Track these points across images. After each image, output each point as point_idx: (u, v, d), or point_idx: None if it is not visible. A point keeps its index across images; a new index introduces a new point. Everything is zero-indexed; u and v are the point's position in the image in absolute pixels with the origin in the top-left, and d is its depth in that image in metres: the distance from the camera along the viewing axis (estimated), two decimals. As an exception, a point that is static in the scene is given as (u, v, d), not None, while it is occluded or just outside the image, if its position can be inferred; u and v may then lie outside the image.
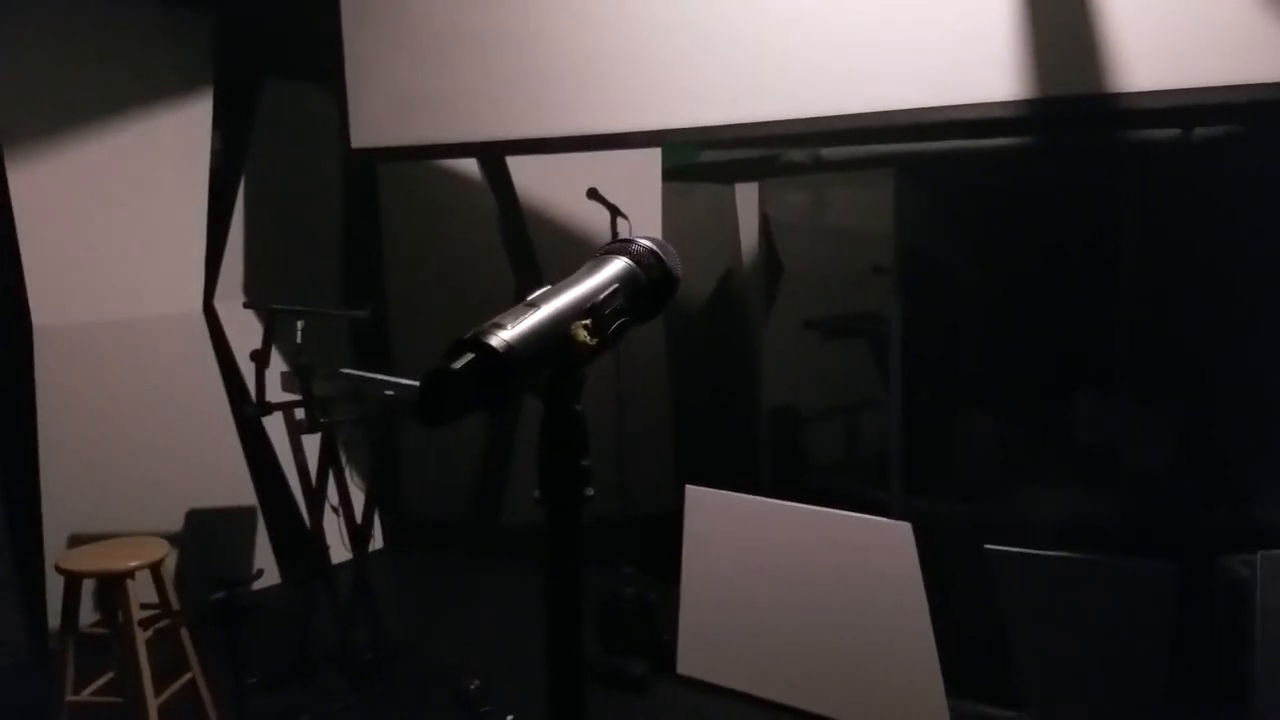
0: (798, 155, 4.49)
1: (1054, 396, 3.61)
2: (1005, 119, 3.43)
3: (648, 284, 1.23)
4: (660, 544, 3.86)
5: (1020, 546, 3.19)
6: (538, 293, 1.15)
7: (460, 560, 5.07)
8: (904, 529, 3.28)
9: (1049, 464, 3.68)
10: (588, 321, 1.13)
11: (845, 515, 3.40)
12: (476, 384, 1.04)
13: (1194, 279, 3.38)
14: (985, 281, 3.81)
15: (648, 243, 1.26)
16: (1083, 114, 3.34)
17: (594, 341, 1.12)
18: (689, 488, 3.72)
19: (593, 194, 4.20)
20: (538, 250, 5.10)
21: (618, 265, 1.23)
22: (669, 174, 4.98)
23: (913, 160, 3.93)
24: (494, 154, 4.98)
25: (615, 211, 4.12)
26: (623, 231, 4.23)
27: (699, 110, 3.74)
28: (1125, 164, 3.38)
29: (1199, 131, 3.34)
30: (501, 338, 1.05)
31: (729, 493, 3.65)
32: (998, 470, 3.80)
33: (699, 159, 5.15)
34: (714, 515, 3.69)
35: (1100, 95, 3.23)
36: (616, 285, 1.19)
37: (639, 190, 4.69)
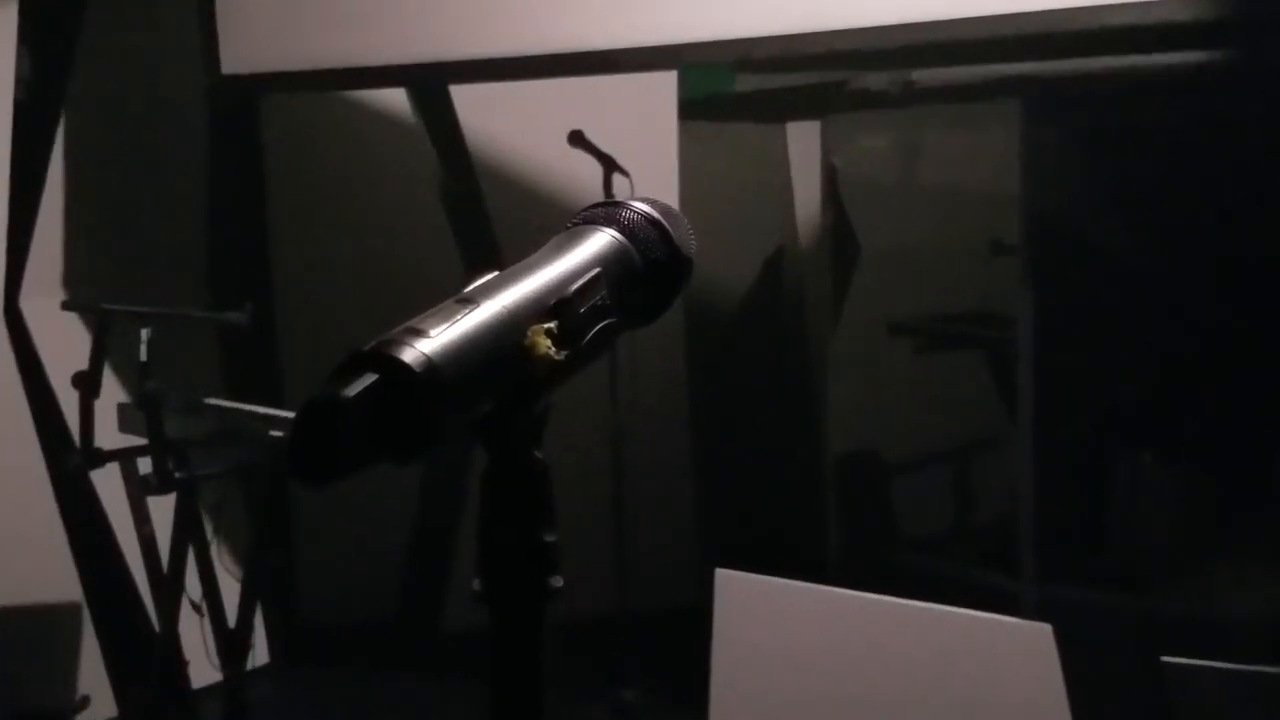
0: (879, 81, 4.49)
1: (1264, 437, 3.60)
2: (1186, 22, 3.44)
3: (643, 268, 1.21)
4: (678, 652, 3.88)
5: (1213, 658, 3.18)
6: (478, 283, 1.11)
7: (380, 677, 5.05)
8: (1042, 631, 3.29)
9: (1256, 535, 3.67)
10: (551, 325, 1.08)
11: (954, 612, 3.40)
12: (381, 421, 0.98)
13: None
14: (1157, 265, 3.79)
15: (644, 206, 1.23)
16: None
17: (560, 355, 1.09)
18: (719, 572, 3.73)
19: (576, 139, 4.22)
20: (495, 220, 5.11)
21: (600, 241, 1.20)
22: (690, 108, 5.01)
23: (1045, 87, 3.92)
24: (431, 81, 5.00)
25: (610, 164, 4.14)
26: (618, 193, 4.23)
27: (732, 15, 3.76)
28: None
29: None
30: (419, 350, 1.00)
31: (777, 579, 3.65)
32: (1179, 544, 3.78)
33: (733, 87, 5.17)
34: (756, 610, 3.70)
35: None
36: (597, 271, 1.15)
37: (645, 134, 4.70)
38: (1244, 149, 3.70)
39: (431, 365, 0.99)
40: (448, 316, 1.04)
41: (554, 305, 1.09)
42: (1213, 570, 3.78)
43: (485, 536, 1.11)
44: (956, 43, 3.64)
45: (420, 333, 1.01)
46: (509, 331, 1.06)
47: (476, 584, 1.11)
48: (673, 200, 5.10)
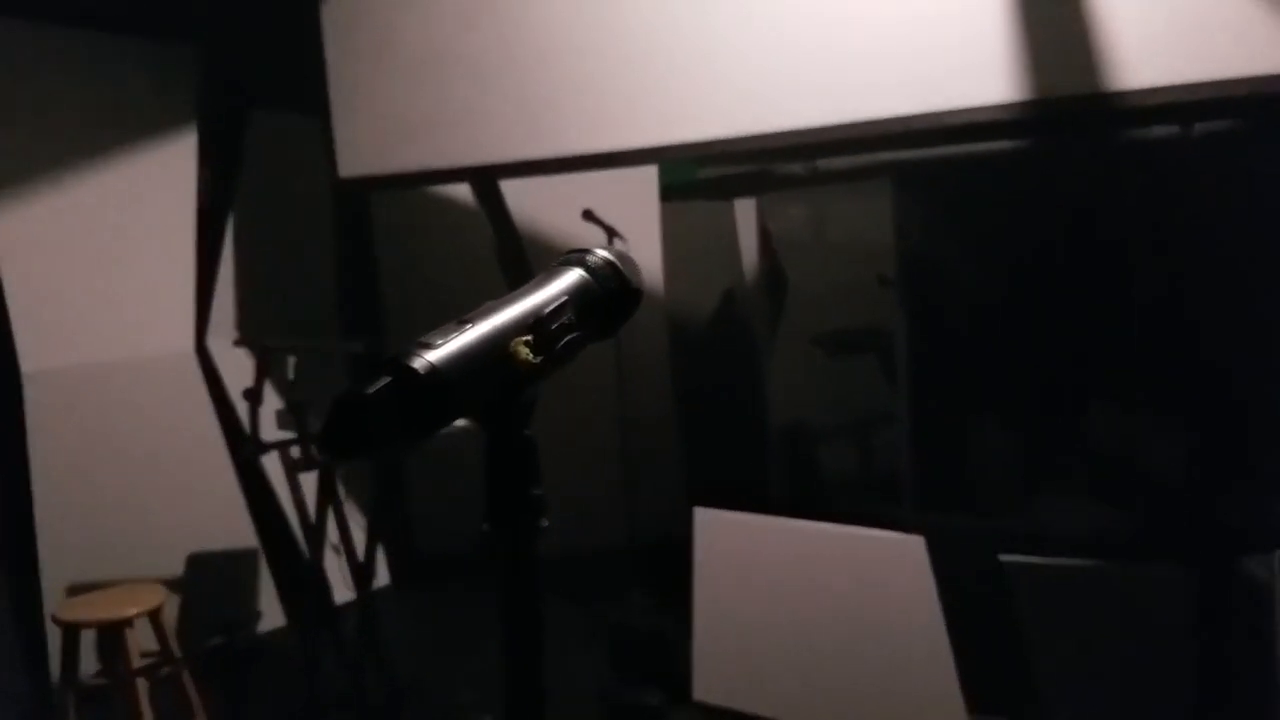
0: (795, 168, 4.57)
1: (1066, 404, 3.67)
2: (1002, 122, 3.50)
3: (601, 296, 1.19)
4: (671, 570, 3.93)
5: (1037, 556, 3.26)
6: (481, 307, 1.09)
7: (470, 595, 5.09)
8: (917, 543, 3.35)
9: (1063, 473, 3.75)
10: (529, 337, 1.07)
11: (857, 532, 3.47)
12: (398, 411, 0.97)
13: (1202, 278, 3.45)
14: (991, 289, 3.88)
15: (605, 253, 1.22)
16: (1080, 114, 3.41)
17: (537, 359, 1.07)
18: (698, 510, 3.78)
19: (588, 215, 4.29)
20: (536, 274, 5.17)
21: (570, 277, 1.18)
22: (666, 192, 5.08)
23: (909, 168, 4.01)
24: (486, 178, 5.07)
25: (611, 232, 4.21)
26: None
27: (694, 125, 3.83)
28: (1126, 163, 3.46)
29: (1199, 127, 3.42)
30: (424, 358, 0.99)
31: (739, 514, 3.72)
32: (1011, 481, 3.86)
33: (697, 176, 5.25)
34: (724, 538, 3.76)
35: (1097, 94, 3.30)
36: (565, 298, 1.13)
37: (637, 210, 4.78)
38: (1046, 206, 3.76)
39: (433, 369, 0.98)
40: (449, 333, 1.04)
41: (532, 323, 1.09)
42: (1035, 497, 3.84)
43: (490, 491, 1.11)
44: (846, 140, 3.69)
45: (428, 345, 1.01)
46: (498, 343, 1.05)
47: (486, 526, 1.12)
48: (658, 257, 5.22)
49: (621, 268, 1.22)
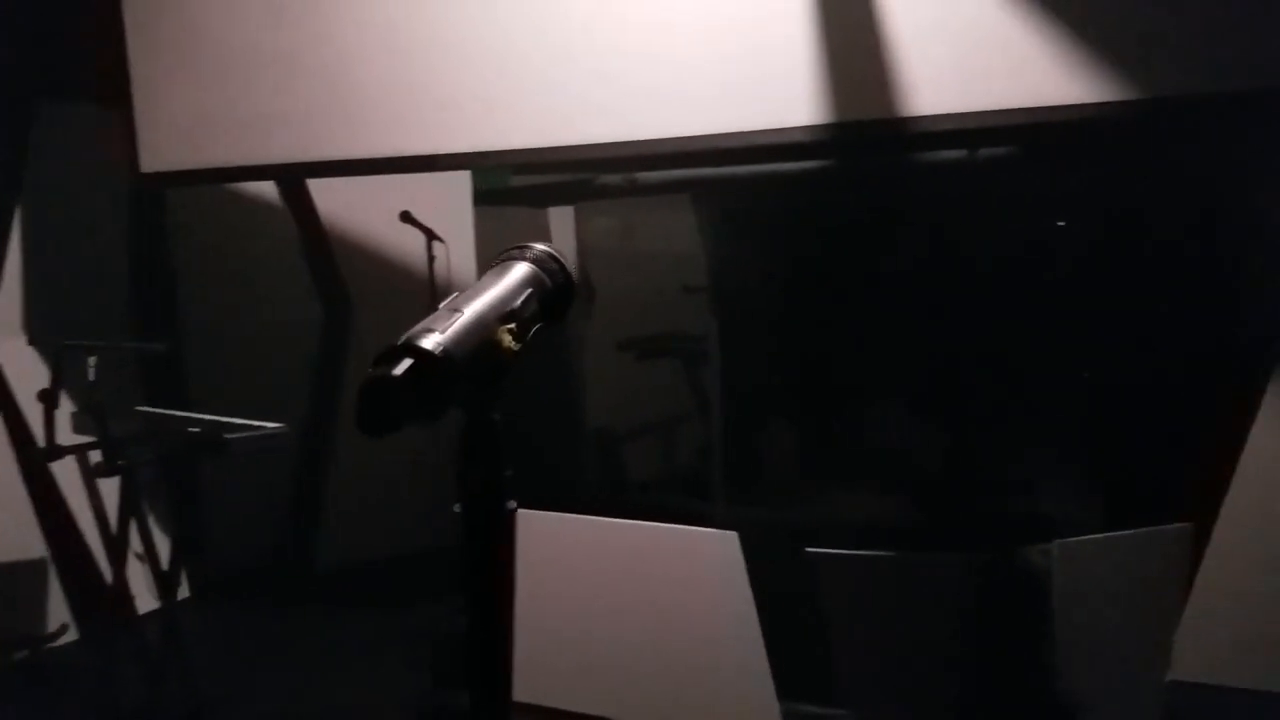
0: (613, 179, 4.54)
1: (863, 405, 3.78)
2: (803, 144, 3.57)
3: (553, 288, 1.23)
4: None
5: (842, 548, 3.32)
6: (453, 297, 1.11)
7: (272, 609, 4.82)
8: (730, 538, 3.36)
9: (862, 470, 3.85)
10: (512, 325, 1.11)
11: (672, 528, 3.45)
12: (416, 391, 0.99)
13: (978, 288, 3.62)
14: (783, 299, 3.95)
15: (545, 248, 1.25)
16: (875, 137, 3.52)
17: (517, 346, 1.11)
18: (520, 511, 3.67)
19: (406, 217, 4.13)
20: (347, 277, 4.95)
21: (522, 269, 1.21)
22: (480, 197, 4.93)
23: (717, 183, 4.05)
24: (292, 177, 4.82)
25: (431, 235, 4.07)
26: (439, 256, 4.17)
27: (507, 134, 3.74)
28: (916, 184, 3.60)
29: (983, 152, 3.60)
30: (436, 340, 1.01)
31: (556, 514, 3.64)
32: (812, 476, 3.94)
33: (509, 183, 5.15)
34: (542, 537, 3.66)
35: (891, 119, 3.41)
36: (530, 290, 1.17)
37: (453, 214, 4.63)
38: (839, 222, 3.86)
39: (446, 351, 1.01)
40: (446, 319, 1.05)
41: (509, 313, 1.12)
42: (834, 491, 3.94)
43: (463, 474, 1.12)
44: (653, 155, 3.70)
45: (431, 330, 1.02)
46: (485, 330, 1.08)
47: (457, 507, 1.13)
48: (472, 261, 5.08)
49: (562, 261, 1.26)
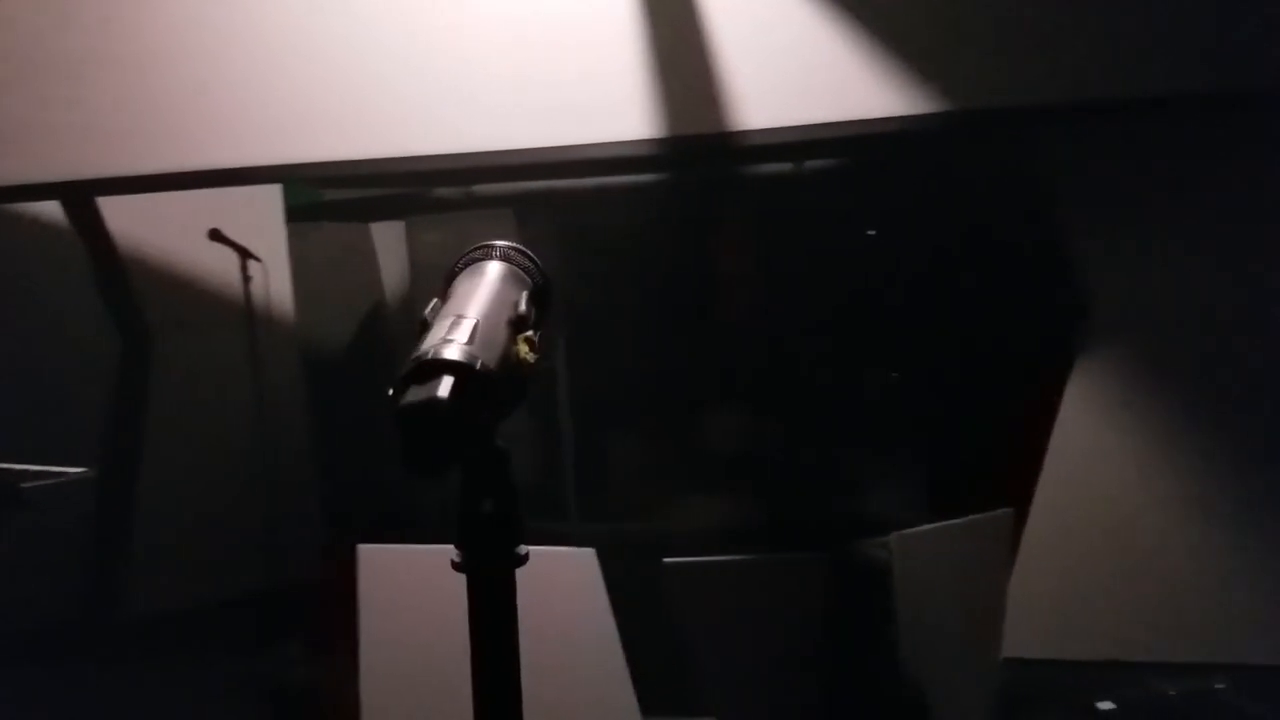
0: (447, 193, 4.35)
1: (703, 414, 3.78)
2: (637, 157, 3.53)
3: (535, 288, 1.10)
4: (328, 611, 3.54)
5: (696, 555, 3.29)
6: (445, 306, 0.96)
7: (82, 665, 4.34)
8: (588, 555, 3.26)
9: (714, 478, 3.84)
10: (530, 334, 0.98)
11: (529, 550, 3.32)
12: (463, 415, 0.82)
13: (807, 295, 3.69)
14: (626, 313, 3.91)
15: (506, 243, 1.13)
16: (706, 150, 3.52)
17: (534, 358, 0.98)
18: (361, 547, 3.44)
19: (216, 235, 3.82)
20: (148, 302, 4.52)
21: (499, 269, 1.08)
22: (292, 213, 4.59)
23: (551, 197, 3.95)
24: (80, 195, 4.36)
25: (245, 253, 3.78)
26: (255, 275, 3.88)
27: (322, 145, 3.52)
28: (746, 196, 3.62)
29: (810, 164, 3.66)
30: (466, 351, 0.86)
31: (403, 546, 3.43)
32: (669, 488, 3.90)
33: (321, 198, 4.85)
34: (390, 572, 3.45)
35: (722, 133, 3.41)
36: (525, 292, 1.04)
37: (266, 231, 4.31)
38: (676, 234, 3.86)
39: (484, 363, 0.86)
40: (457, 326, 0.90)
41: (517, 320, 0.98)
42: (688, 500, 3.92)
43: (468, 514, 0.93)
44: (479, 168, 3.58)
45: (452, 340, 0.87)
46: (500, 339, 0.93)
47: (456, 555, 0.95)
48: (288, 278, 4.75)
49: (535, 257, 1.13)
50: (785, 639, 3.30)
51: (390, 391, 0.85)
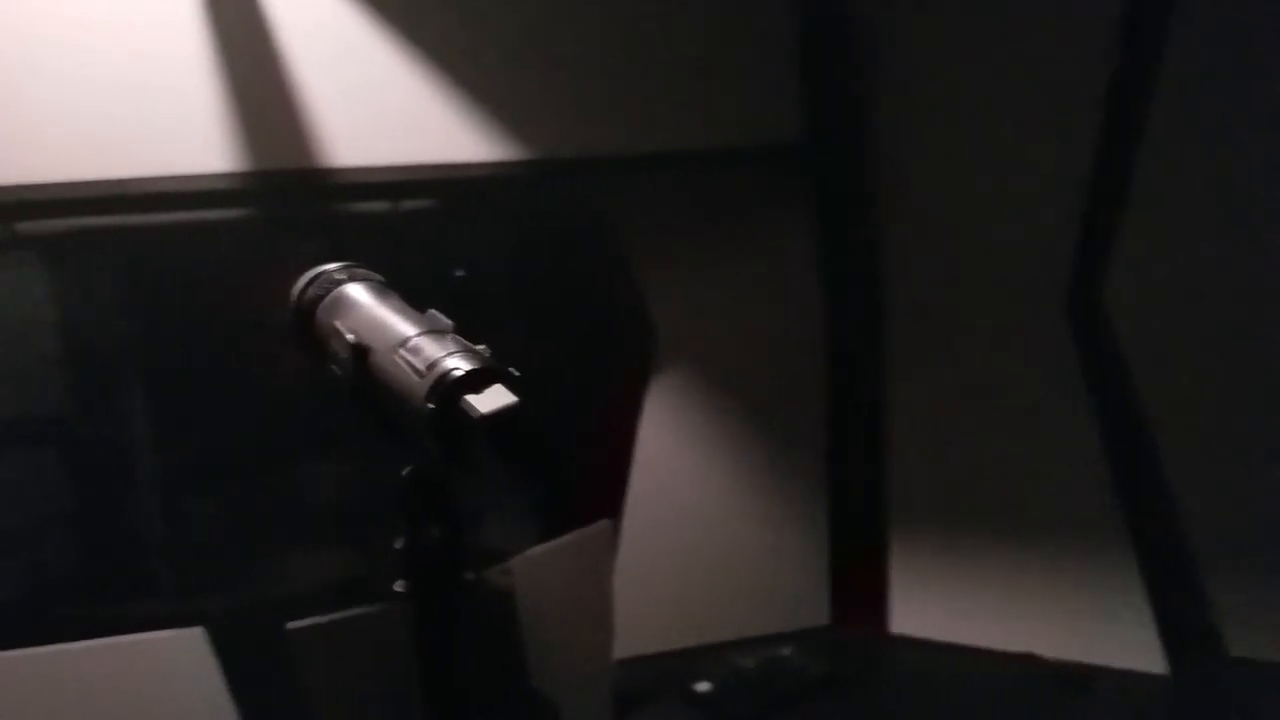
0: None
1: (306, 463, 3.44)
2: (216, 191, 3.21)
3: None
4: None
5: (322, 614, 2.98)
6: (425, 323, 0.94)
7: None
8: (195, 635, 2.83)
9: (326, 528, 3.49)
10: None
11: (115, 642, 2.78)
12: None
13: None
14: (212, 359, 3.44)
15: (341, 265, 1.13)
16: (295, 188, 3.26)
17: None
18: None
19: None
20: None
21: (375, 289, 1.07)
22: None
23: (124, 235, 3.36)
24: None
25: None
26: None
27: None
28: (340, 235, 3.38)
29: (406, 204, 3.52)
30: (492, 360, 0.87)
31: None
32: (276, 547, 3.46)
33: None
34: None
35: (312, 170, 3.22)
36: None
37: None
38: (245, 278, 3.47)
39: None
40: (464, 342, 0.91)
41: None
42: (302, 557, 3.53)
43: (415, 539, 0.91)
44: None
45: (472, 349, 0.88)
46: None
47: (400, 585, 0.91)
48: None
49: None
50: (422, 680, 3.10)
51: (432, 406, 0.82)
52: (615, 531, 3.65)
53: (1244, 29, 2.98)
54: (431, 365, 0.85)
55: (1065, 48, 3.32)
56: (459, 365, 0.86)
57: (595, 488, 3.72)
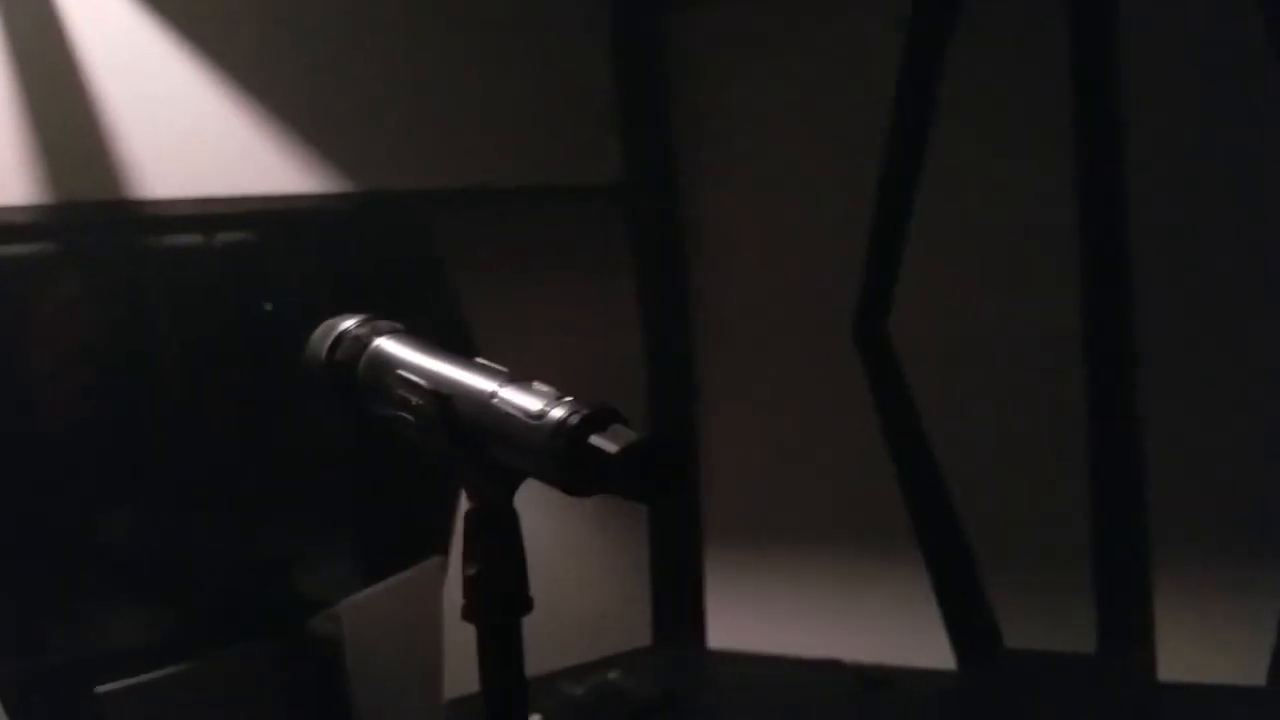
0: None
1: (108, 516, 3.13)
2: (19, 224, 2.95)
3: None
4: None
5: (136, 675, 2.74)
6: (492, 368, 0.95)
7: None
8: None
9: (131, 584, 3.17)
10: None
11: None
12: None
13: (225, 372, 3.32)
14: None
15: (361, 319, 1.08)
16: (104, 219, 3.03)
17: None
18: None
19: None
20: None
21: (412, 337, 1.06)
22: None
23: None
24: None
25: None
26: None
27: None
28: (155, 268, 3.13)
29: (221, 237, 3.31)
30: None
31: None
32: (79, 607, 3.11)
33: None
34: None
35: (117, 201, 3.01)
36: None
37: None
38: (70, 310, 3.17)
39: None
40: (538, 390, 0.91)
41: None
42: (118, 615, 3.19)
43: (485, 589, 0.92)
44: None
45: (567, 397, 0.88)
46: None
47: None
48: None
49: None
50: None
51: (560, 444, 0.84)
52: (444, 568, 3.56)
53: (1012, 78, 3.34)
54: (541, 414, 0.86)
55: (854, 96, 3.59)
56: (574, 410, 0.85)
57: (423, 523, 3.62)
